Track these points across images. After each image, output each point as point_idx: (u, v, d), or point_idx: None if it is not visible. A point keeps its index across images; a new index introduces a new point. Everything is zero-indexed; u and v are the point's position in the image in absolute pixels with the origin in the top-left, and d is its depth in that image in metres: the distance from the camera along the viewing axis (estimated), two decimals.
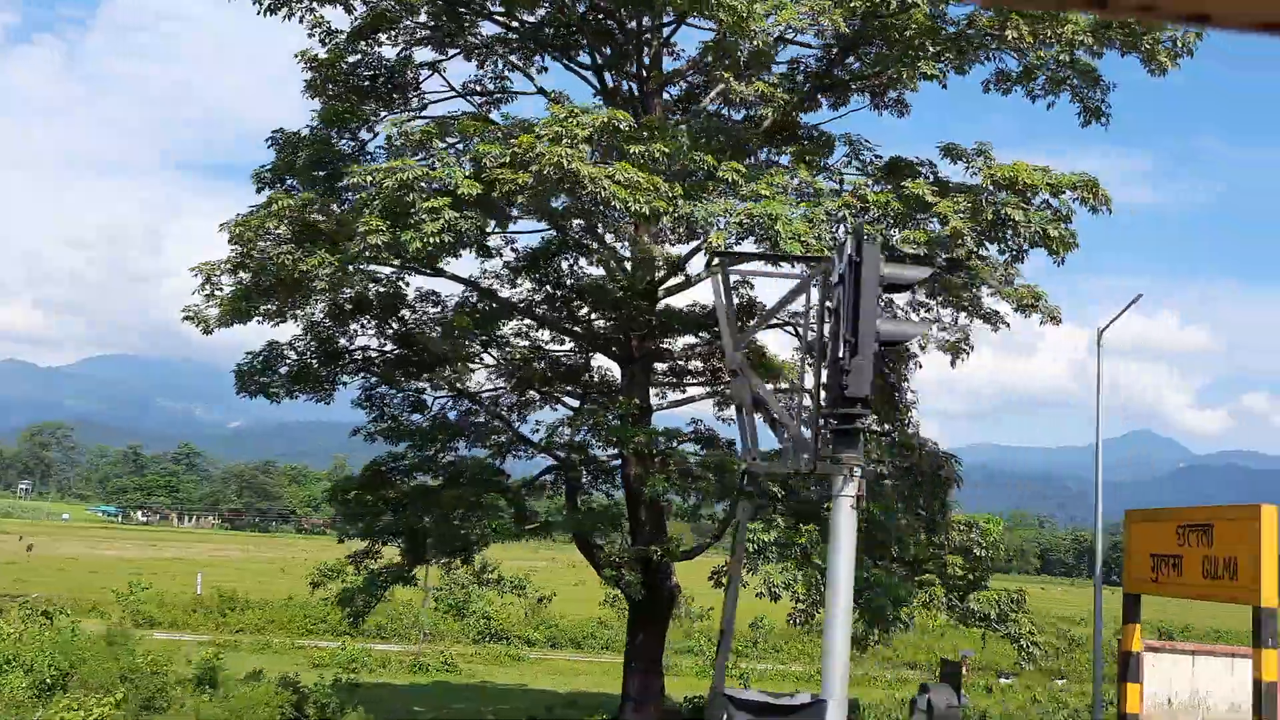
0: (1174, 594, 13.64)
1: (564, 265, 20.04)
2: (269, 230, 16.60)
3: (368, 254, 14.83)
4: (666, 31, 20.21)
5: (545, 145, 13.49)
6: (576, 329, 20.09)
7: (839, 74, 18.95)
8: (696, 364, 22.12)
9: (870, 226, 16.32)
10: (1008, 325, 21.03)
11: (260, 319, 17.73)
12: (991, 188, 15.62)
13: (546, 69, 21.11)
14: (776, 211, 14.39)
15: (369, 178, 14.54)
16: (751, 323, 18.66)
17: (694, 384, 22.28)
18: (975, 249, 15.57)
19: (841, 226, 16.14)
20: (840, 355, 5.69)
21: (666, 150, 14.63)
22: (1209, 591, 12.69)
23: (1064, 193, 15.12)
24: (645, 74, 20.11)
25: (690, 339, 21.76)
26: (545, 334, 20.58)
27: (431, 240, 13.73)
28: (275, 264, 15.79)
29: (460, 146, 15.91)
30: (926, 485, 20.56)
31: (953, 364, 21.23)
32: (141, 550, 76.07)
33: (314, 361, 19.83)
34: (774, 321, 18.48)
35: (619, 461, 19.27)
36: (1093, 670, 15.56)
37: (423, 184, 14.12)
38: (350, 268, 15.60)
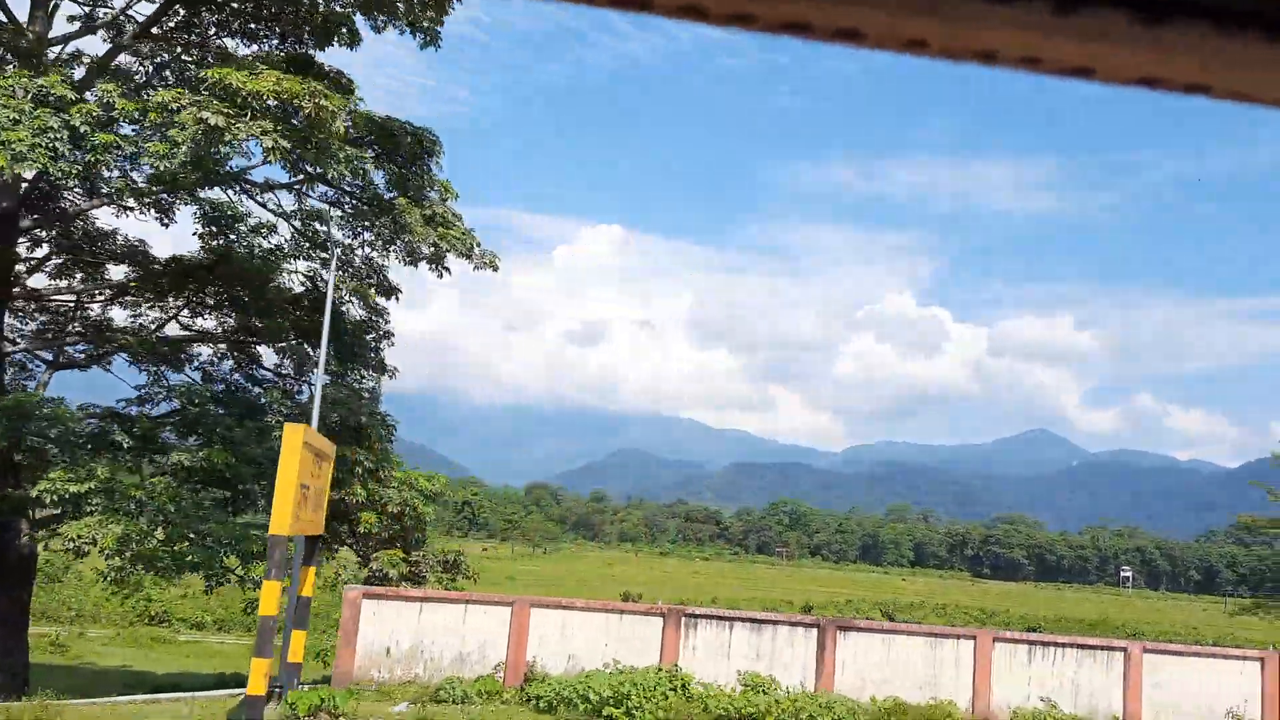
0: (303, 530, 12.58)
1: None
2: None
3: None
4: None
5: None
6: None
7: None
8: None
9: (121, 138, 15.08)
10: (448, 270, 20.22)
11: None
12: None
13: None
14: None
15: None
16: None
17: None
18: (190, 159, 14.34)
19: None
20: None
21: None
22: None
23: (271, 101, 14.02)
24: None
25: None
26: None
27: None
28: None
29: None
30: (349, 438, 19.40)
31: (371, 309, 20.27)
32: None
33: None
34: None
35: None
36: (286, 620, 14.46)
37: None
38: None
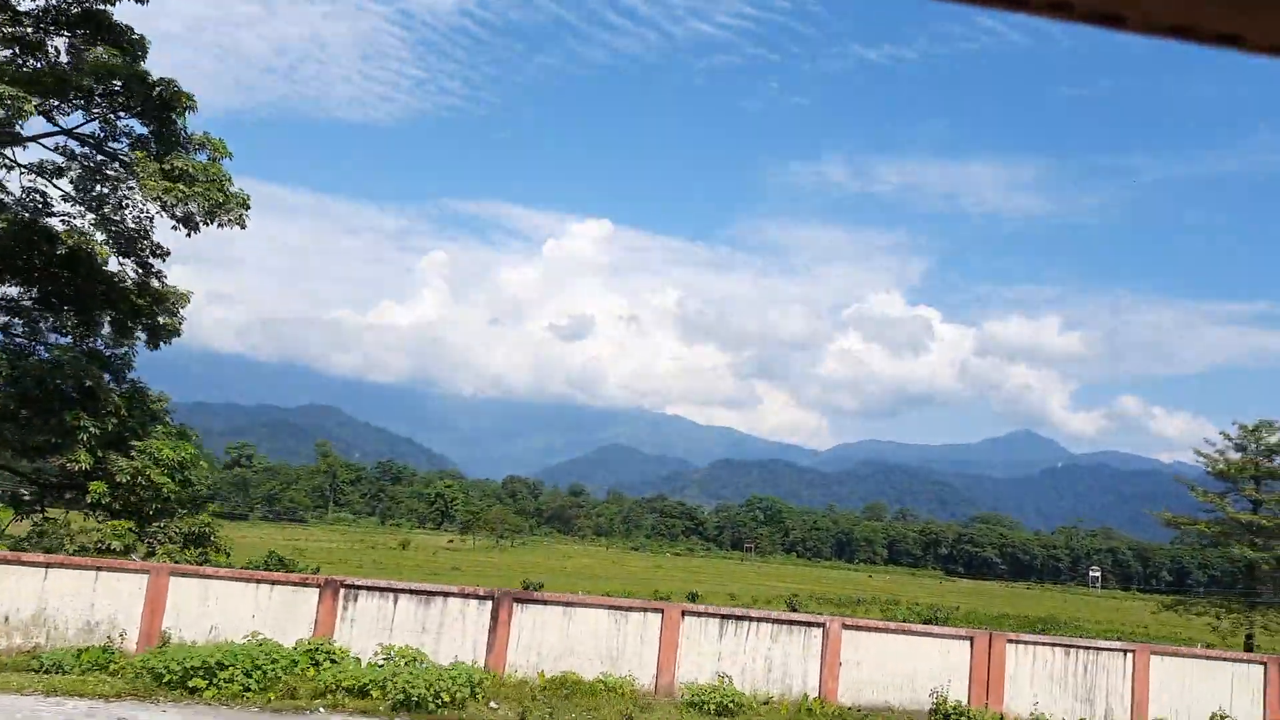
0: None
1: None
2: None
3: None
4: None
5: None
6: None
7: None
8: None
9: None
10: (196, 229, 19.32)
11: None
12: None
13: None
14: None
15: None
16: None
17: None
18: None
19: None
20: None
21: None
22: None
23: None
24: None
25: None
26: None
27: None
28: None
29: None
30: (74, 403, 18.43)
31: (111, 262, 19.36)
32: None
33: None
34: None
35: None
36: None
37: None
38: None
